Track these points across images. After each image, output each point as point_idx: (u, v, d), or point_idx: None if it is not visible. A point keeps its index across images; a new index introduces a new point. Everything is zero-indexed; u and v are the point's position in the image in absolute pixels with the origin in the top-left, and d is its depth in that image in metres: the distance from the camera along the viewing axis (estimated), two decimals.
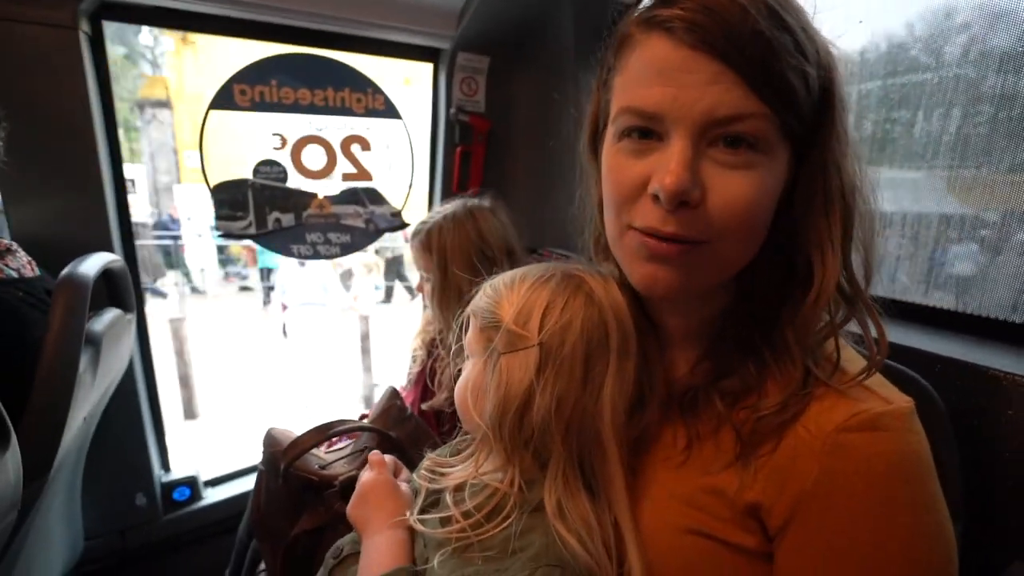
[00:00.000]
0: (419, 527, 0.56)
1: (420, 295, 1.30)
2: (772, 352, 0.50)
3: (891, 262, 1.12)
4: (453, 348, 0.64)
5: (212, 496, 1.51)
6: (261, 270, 7.62)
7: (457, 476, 0.58)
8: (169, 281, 7.42)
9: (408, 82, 1.81)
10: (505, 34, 1.52)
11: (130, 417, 1.33)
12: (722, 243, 0.47)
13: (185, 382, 4.09)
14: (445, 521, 0.54)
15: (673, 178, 0.43)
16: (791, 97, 0.43)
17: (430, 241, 1.14)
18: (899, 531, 0.43)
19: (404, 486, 0.65)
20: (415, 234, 1.19)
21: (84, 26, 1.11)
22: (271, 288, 7.28)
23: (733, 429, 0.50)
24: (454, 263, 1.10)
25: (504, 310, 0.55)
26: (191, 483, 1.47)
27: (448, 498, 0.55)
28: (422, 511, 0.58)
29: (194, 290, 7.83)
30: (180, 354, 4.12)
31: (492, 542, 0.50)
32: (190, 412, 4.08)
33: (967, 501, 0.66)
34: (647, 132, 0.47)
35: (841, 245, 0.48)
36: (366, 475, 0.66)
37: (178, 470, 1.49)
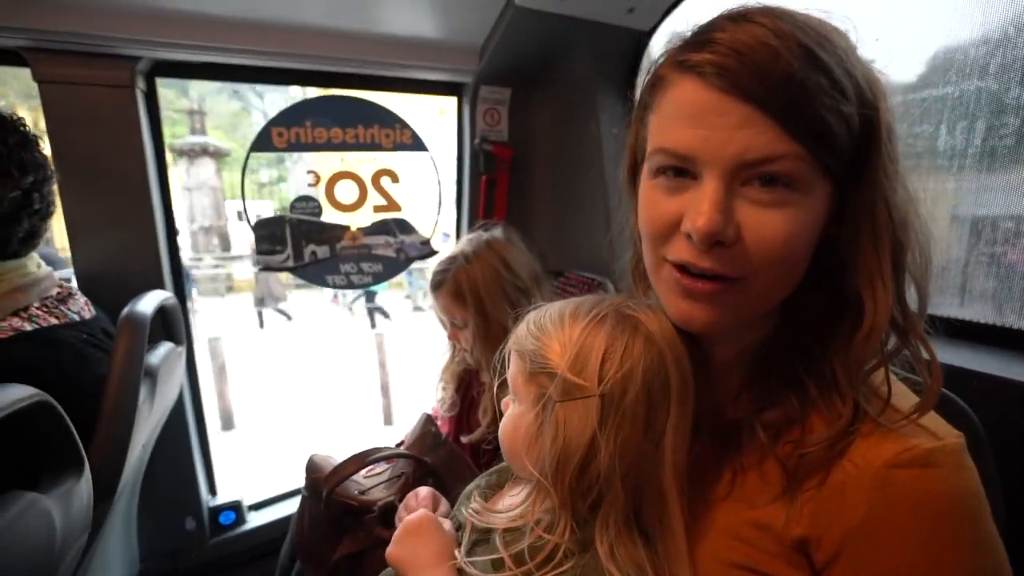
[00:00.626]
0: (469, 569, 0.54)
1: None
2: (817, 385, 0.49)
3: None
4: (496, 383, 0.63)
5: (255, 520, 1.56)
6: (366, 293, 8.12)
7: (507, 520, 0.56)
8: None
9: (443, 112, 1.88)
10: (525, 65, 1.58)
11: (180, 444, 1.40)
12: (757, 280, 0.47)
13: (385, 391, 4.48)
14: (497, 564, 0.52)
15: (705, 220, 0.44)
16: (827, 137, 0.43)
17: (460, 287, 1.09)
18: (952, 570, 0.42)
19: (446, 523, 0.64)
20: (438, 284, 1.13)
21: (140, 84, 1.22)
22: (376, 309, 7.99)
23: (778, 462, 0.49)
24: (491, 303, 1.06)
25: (556, 354, 0.52)
26: (236, 507, 1.53)
27: (498, 540, 0.54)
28: (469, 550, 0.57)
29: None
30: (382, 365, 4.55)
31: None
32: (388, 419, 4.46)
33: (1009, 525, 0.64)
34: (681, 171, 0.47)
35: (893, 278, 0.47)
36: (409, 514, 0.64)
37: (223, 495, 1.56)
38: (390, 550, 0.61)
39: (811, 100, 0.41)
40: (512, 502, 0.59)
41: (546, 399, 0.52)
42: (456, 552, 0.57)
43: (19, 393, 0.58)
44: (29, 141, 0.88)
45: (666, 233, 0.49)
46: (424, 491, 0.71)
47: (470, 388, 1.19)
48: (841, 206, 0.47)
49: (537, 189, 1.78)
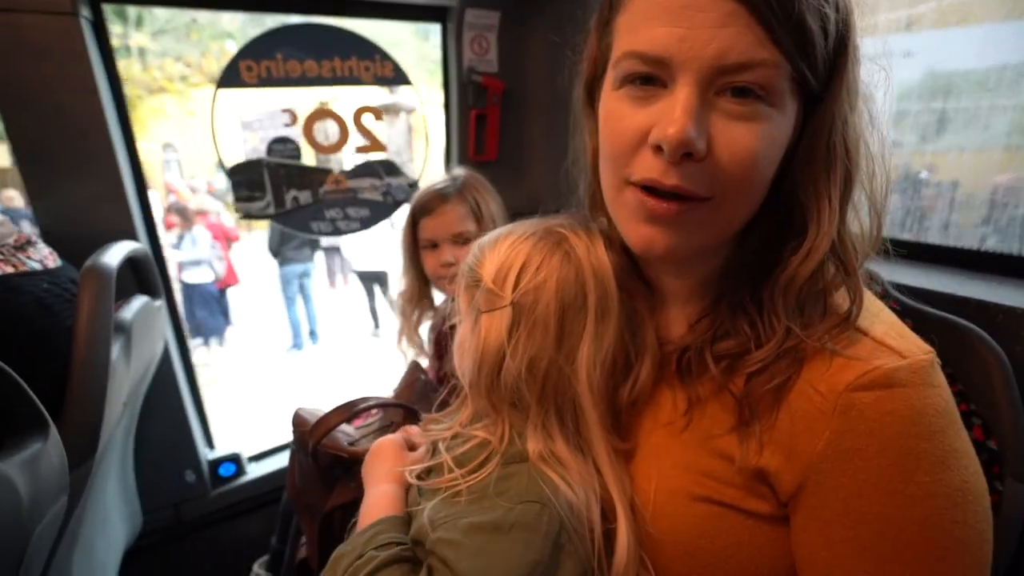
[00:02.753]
0: (411, 479, 0.57)
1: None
2: (758, 311, 0.48)
3: (944, 206, 1.03)
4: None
5: (255, 471, 1.56)
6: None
7: (446, 428, 0.60)
8: None
9: None
10: None
11: (171, 400, 1.38)
12: (724, 201, 0.45)
13: None
14: (437, 469, 0.55)
15: (678, 127, 0.40)
16: (808, 44, 0.40)
17: (474, 197, 1.12)
18: (916, 490, 0.41)
19: (422, 450, 0.65)
20: (446, 196, 1.10)
21: (84, 11, 1.09)
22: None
23: (732, 393, 0.48)
24: (499, 220, 1.10)
25: (485, 268, 0.55)
26: (235, 459, 1.53)
27: (441, 447, 0.56)
28: (426, 472, 0.58)
29: None
30: None
31: (477, 486, 0.51)
32: None
33: None
34: (650, 79, 0.44)
35: (840, 202, 0.45)
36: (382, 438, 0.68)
37: (222, 447, 1.55)
38: (364, 465, 0.65)
39: (798, 1, 0.38)
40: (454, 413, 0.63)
41: (473, 308, 0.56)
42: (408, 471, 0.59)
43: None
44: None
45: (631, 148, 0.46)
46: (414, 428, 0.72)
47: (440, 330, 1.15)
48: (803, 126, 0.45)
49: (532, 126, 1.66)
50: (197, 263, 4.53)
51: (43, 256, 0.90)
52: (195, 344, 4.79)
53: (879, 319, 0.47)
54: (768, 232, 0.49)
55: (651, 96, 0.44)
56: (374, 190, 1.57)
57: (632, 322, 0.55)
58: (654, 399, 0.57)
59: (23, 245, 0.87)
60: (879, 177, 0.47)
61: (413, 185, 1.60)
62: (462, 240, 1.09)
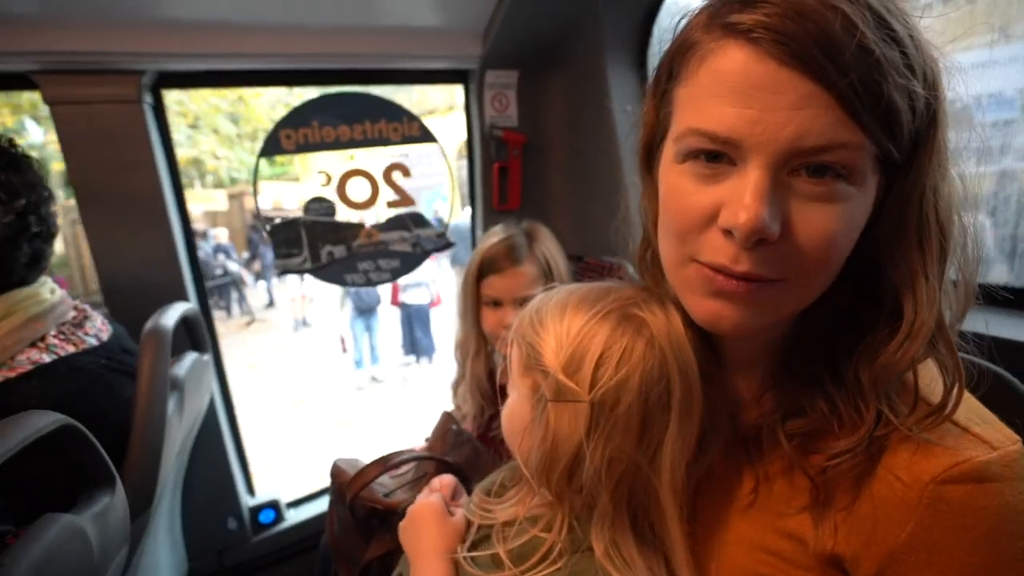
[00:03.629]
0: (466, 566, 0.54)
1: None
2: (839, 391, 0.45)
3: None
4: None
5: (293, 517, 1.60)
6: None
7: (507, 513, 0.56)
8: None
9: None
10: (531, 46, 1.53)
11: (216, 449, 1.44)
12: (798, 281, 0.42)
13: None
14: (497, 561, 0.52)
15: (749, 215, 0.37)
16: (895, 125, 0.37)
17: (532, 251, 1.07)
18: None
19: (459, 512, 0.64)
20: (518, 258, 1.05)
21: (147, 98, 1.23)
22: None
23: (805, 473, 0.45)
24: (558, 266, 1.06)
25: (551, 351, 0.50)
26: (274, 505, 1.57)
27: (495, 536, 0.53)
28: (472, 546, 0.57)
29: None
30: None
31: None
32: None
33: None
34: (717, 155, 0.41)
35: (938, 279, 0.41)
36: (419, 498, 0.66)
37: (261, 494, 1.60)
38: (401, 526, 0.63)
39: (885, 79, 0.35)
40: (512, 497, 0.58)
41: (539, 396, 0.50)
42: (459, 547, 0.57)
43: (42, 420, 0.59)
44: (18, 162, 0.85)
45: (698, 228, 0.43)
46: (448, 478, 0.71)
47: (492, 384, 1.16)
48: (885, 194, 0.41)
49: (552, 174, 1.73)
50: (417, 285, 4.74)
51: (98, 329, 0.97)
52: (408, 361, 5.05)
53: (961, 401, 0.43)
54: (844, 303, 0.46)
55: (719, 174, 0.41)
56: (403, 242, 1.65)
57: (711, 408, 0.51)
58: (719, 474, 0.54)
59: (81, 321, 0.94)
60: (970, 248, 0.43)
61: (440, 236, 1.67)
62: (519, 301, 1.03)
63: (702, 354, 0.51)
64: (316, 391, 4.84)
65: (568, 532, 0.51)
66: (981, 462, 0.39)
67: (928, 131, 0.39)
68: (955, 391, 0.42)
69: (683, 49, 0.43)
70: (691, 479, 0.51)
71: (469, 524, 0.61)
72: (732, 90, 0.38)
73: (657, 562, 0.49)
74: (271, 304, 8.05)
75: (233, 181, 9.87)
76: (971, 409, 0.44)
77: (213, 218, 9.42)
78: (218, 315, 6.89)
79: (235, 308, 7.53)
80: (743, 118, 0.38)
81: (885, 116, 0.36)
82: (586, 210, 1.67)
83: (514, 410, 0.56)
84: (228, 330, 6.84)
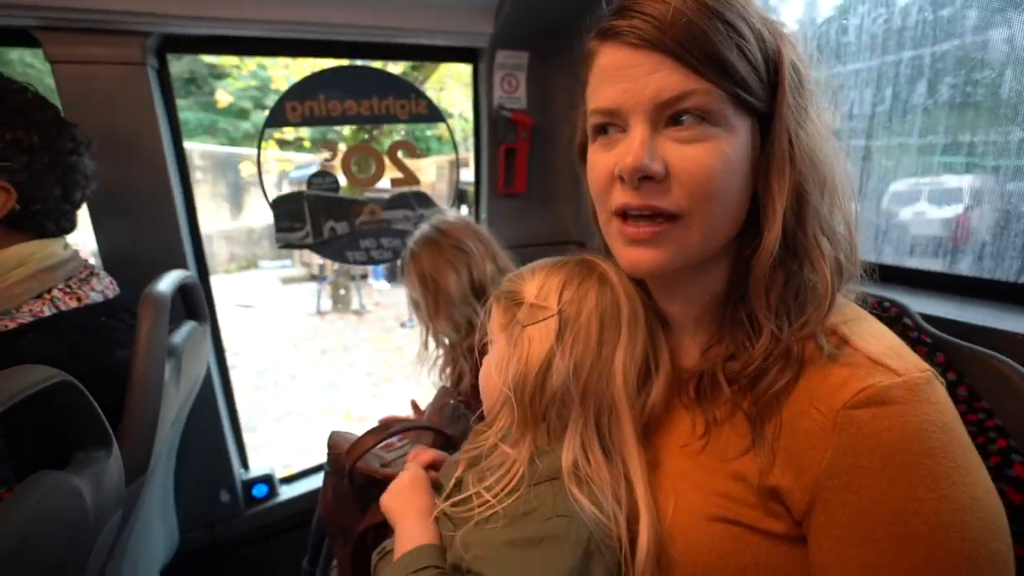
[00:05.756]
0: (442, 504, 0.60)
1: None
2: (750, 325, 0.53)
3: (978, 236, 1.02)
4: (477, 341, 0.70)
5: (287, 492, 1.60)
6: None
7: (473, 446, 0.64)
8: None
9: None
10: (543, 27, 1.50)
11: (211, 420, 1.44)
12: (694, 215, 0.50)
13: None
14: (467, 500, 0.57)
15: (631, 156, 0.48)
16: (730, 70, 0.47)
17: (409, 268, 1.17)
18: (921, 507, 0.42)
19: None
20: (400, 269, 1.22)
21: (151, 61, 1.20)
22: None
23: (743, 412, 0.51)
24: (434, 273, 1.13)
25: (526, 289, 0.62)
26: (268, 480, 1.57)
27: (469, 478, 0.59)
28: (448, 500, 0.61)
29: None
30: None
31: (508, 509, 0.54)
32: None
33: None
34: (612, 127, 0.52)
35: (792, 201, 0.50)
36: (403, 471, 0.70)
37: (255, 468, 1.60)
38: (383, 499, 0.67)
39: (707, 39, 0.46)
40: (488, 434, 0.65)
41: (514, 324, 0.61)
42: (436, 501, 0.62)
43: (39, 374, 0.58)
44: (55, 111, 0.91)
45: (607, 185, 0.53)
46: (429, 450, 0.76)
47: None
48: (763, 145, 0.51)
49: (559, 160, 1.72)
50: None
51: (104, 286, 0.97)
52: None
53: (879, 340, 0.49)
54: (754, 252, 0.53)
55: (615, 141, 0.52)
56: (407, 221, 1.64)
57: (654, 340, 0.61)
58: (674, 422, 0.60)
59: (87, 277, 0.95)
60: (840, 187, 0.52)
61: None
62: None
63: (647, 308, 0.62)
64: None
65: (530, 464, 0.57)
66: (884, 386, 0.44)
67: (777, 80, 0.49)
68: (825, 299, 0.49)
69: (585, 59, 0.56)
70: (642, 409, 0.59)
71: (438, 488, 0.66)
72: (609, 75, 0.51)
73: (619, 482, 0.55)
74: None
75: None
76: (889, 347, 0.49)
77: None
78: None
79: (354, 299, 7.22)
80: (617, 91, 0.50)
81: (720, 67, 0.47)
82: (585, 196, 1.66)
83: (490, 360, 0.64)
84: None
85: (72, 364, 0.69)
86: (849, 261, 0.53)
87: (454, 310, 1.11)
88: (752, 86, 0.48)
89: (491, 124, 1.64)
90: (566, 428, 0.57)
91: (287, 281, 8.56)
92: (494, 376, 0.62)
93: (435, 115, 1.61)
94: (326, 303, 7.01)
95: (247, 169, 8.60)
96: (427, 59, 1.61)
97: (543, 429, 0.59)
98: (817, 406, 0.46)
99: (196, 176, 8.30)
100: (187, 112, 8.10)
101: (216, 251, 8.61)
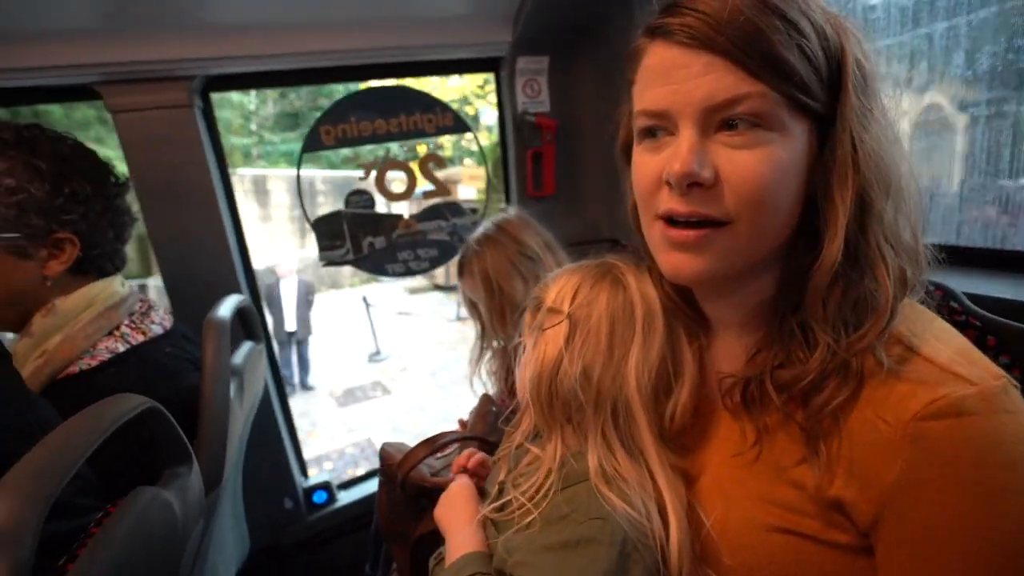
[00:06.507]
0: (486, 511, 0.62)
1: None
2: (803, 334, 0.50)
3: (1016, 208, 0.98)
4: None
5: (344, 498, 1.68)
6: None
7: (512, 439, 0.65)
8: None
9: None
10: (562, 31, 1.52)
11: (271, 433, 1.53)
12: (742, 222, 0.47)
13: None
14: (508, 505, 0.59)
15: (679, 162, 0.46)
16: (787, 72, 0.44)
17: (471, 267, 1.15)
18: (1000, 522, 0.40)
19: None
20: (459, 269, 1.20)
21: (197, 102, 1.29)
22: None
23: (796, 422, 0.49)
24: (499, 277, 1.10)
25: (547, 293, 0.63)
26: (326, 487, 1.65)
27: (509, 485, 0.61)
28: (490, 505, 0.63)
29: None
30: None
31: (544, 513, 0.55)
32: None
33: None
34: (660, 130, 0.50)
35: (855, 207, 0.47)
36: (457, 469, 0.74)
37: (314, 476, 1.69)
38: (435, 511, 0.69)
39: (764, 39, 0.43)
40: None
41: (534, 328, 0.62)
42: (481, 507, 0.64)
43: (131, 403, 0.65)
44: (97, 159, 0.95)
45: (653, 189, 0.51)
46: (478, 454, 0.78)
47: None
48: (821, 148, 0.48)
49: (586, 159, 1.73)
50: None
51: (161, 317, 1.04)
52: None
53: (946, 344, 0.46)
54: (807, 258, 0.50)
55: (663, 145, 0.50)
56: (440, 231, 1.69)
57: (674, 345, 0.60)
58: (720, 430, 0.58)
59: (147, 311, 1.02)
60: (906, 192, 0.48)
61: (477, 224, 1.70)
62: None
63: (678, 312, 0.60)
64: None
65: (562, 465, 0.57)
66: (958, 397, 0.41)
67: (840, 80, 0.46)
68: (890, 311, 0.46)
69: (631, 57, 0.54)
70: (667, 418, 0.58)
71: (484, 496, 0.68)
72: (657, 75, 0.49)
73: (645, 480, 0.55)
74: None
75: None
76: (958, 351, 0.46)
77: None
78: None
79: None
80: (666, 92, 0.48)
81: (779, 68, 0.44)
82: (621, 194, 1.66)
83: (525, 357, 0.65)
84: None
85: (147, 395, 0.76)
86: (914, 271, 0.49)
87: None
88: (811, 87, 0.45)
89: (516, 130, 1.66)
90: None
91: (413, 291, 8.82)
92: (520, 375, 0.64)
93: (461, 126, 1.65)
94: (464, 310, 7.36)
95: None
96: (451, 72, 1.66)
97: (570, 430, 0.59)
98: (884, 417, 0.44)
99: (319, 200, 8.71)
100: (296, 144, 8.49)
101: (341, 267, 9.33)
